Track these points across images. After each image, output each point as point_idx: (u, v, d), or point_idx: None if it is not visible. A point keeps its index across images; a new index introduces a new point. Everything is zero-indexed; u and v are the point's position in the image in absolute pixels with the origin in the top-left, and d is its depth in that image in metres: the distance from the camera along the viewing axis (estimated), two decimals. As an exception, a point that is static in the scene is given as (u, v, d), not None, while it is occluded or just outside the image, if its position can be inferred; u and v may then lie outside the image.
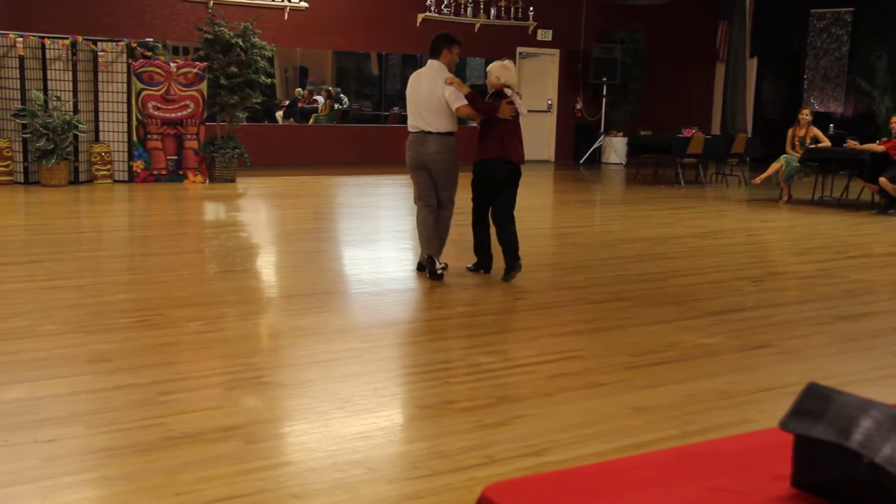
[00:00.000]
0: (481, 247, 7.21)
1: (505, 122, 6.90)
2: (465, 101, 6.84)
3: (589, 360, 4.94)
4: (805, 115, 12.98)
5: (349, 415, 3.97)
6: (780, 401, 4.36)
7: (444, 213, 7.11)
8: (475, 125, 7.21)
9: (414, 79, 7.10)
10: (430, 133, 6.93)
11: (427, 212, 7.05)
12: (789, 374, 4.82)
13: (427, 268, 7.02)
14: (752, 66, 20.25)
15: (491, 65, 7.13)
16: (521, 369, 4.73)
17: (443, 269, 6.99)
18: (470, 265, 7.31)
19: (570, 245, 8.96)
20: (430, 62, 7.03)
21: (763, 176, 13.05)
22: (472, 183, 7.13)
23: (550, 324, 5.77)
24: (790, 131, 13.12)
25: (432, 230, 7.02)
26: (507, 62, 7.11)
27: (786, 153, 12.91)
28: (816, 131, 12.87)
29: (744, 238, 10.03)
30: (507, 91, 6.93)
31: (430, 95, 6.89)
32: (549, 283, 7.14)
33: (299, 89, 17.38)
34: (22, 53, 11.97)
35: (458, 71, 6.95)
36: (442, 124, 6.92)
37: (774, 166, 12.86)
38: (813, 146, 12.64)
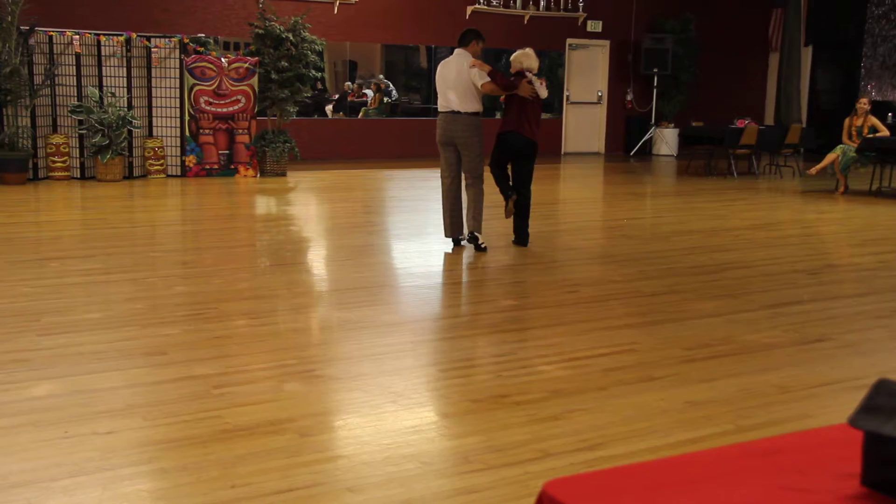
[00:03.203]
0: (505, 181, 7.91)
1: (524, 102, 7.68)
2: (488, 79, 7.53)
3: (642, 354, 4.89)
4: (863, 104, 12.70)
5: (402, 408, 3.97)
6: (839, 396, 4.28)
7: (471, 191, 7.74)
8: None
9: (442, 65, 7.81)
10: (458, 113, 7.62)
11: (446, 191, 7.82)
12: (848, 368, 4.73)
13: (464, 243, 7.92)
14: (806, 54, 19.86)
15: (514, 54, 7.98)
16: (574, 363, 4.69)
17: (470, 241, 7.76)
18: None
19: (622, 237, 8.88)
20: (457, 50, 7.76)
21: (818, 167, 12.80)
22: (492, 150, 7.91)
23: (603, 317, 5.72)
24: (847, 121, 12.84)
25: (450, 211, 7.83)
26: (528, 50, 7.95)
27: (842, 143, 12.65)
28: (874, 120, 12.59)
29: (799, 230, 9.85)
30: (528, 74, 7.71)
31: (459, 78, 7.58)
32: (600, 276, 7.09)
33: (349, 83, 17.44)
34: (79, 51, 12.16)
35: (491, 59, 7.86)
36: (470, 105, 7.62)
37: (830, 157, 12.60)
38: (871, 136, 12.37)
